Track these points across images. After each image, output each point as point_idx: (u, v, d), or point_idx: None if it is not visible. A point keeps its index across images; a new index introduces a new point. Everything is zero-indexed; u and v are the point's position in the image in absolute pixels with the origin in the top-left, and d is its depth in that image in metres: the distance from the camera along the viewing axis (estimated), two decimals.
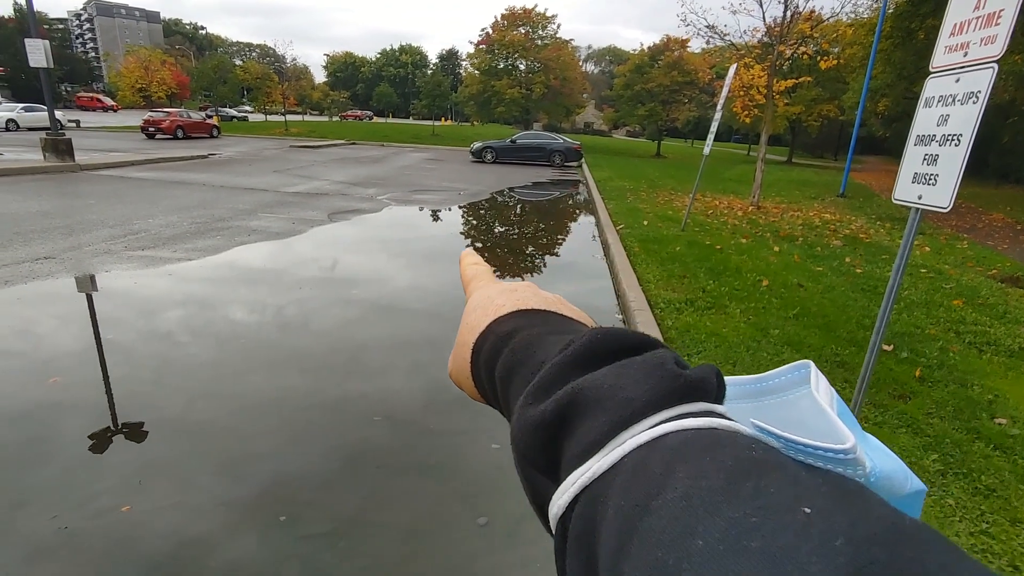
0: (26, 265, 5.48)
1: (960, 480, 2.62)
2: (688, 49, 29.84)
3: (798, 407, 0.24)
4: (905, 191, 2.48)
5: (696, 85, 30.05)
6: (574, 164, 21.90)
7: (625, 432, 0.22)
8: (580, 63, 47.70)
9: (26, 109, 26.95)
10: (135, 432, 2.88)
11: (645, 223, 8.97)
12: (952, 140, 2.18)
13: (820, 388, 0.24)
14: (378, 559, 2.16)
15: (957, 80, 2.20)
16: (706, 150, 8.43)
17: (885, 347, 4.20)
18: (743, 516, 0.17)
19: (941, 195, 2.24)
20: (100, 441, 2.79)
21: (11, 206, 8.37)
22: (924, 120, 2.39)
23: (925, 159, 2.34)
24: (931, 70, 2.40)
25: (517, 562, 2.18)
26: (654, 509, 0.18)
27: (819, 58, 12.54)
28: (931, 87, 2.38)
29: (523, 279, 5.96)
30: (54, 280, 5.14)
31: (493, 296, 0.38)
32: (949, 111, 2.22)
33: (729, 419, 0.22)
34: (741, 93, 12.30)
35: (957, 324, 4.91)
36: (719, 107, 8.02)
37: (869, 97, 16.62)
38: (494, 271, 0.45)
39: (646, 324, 4.37)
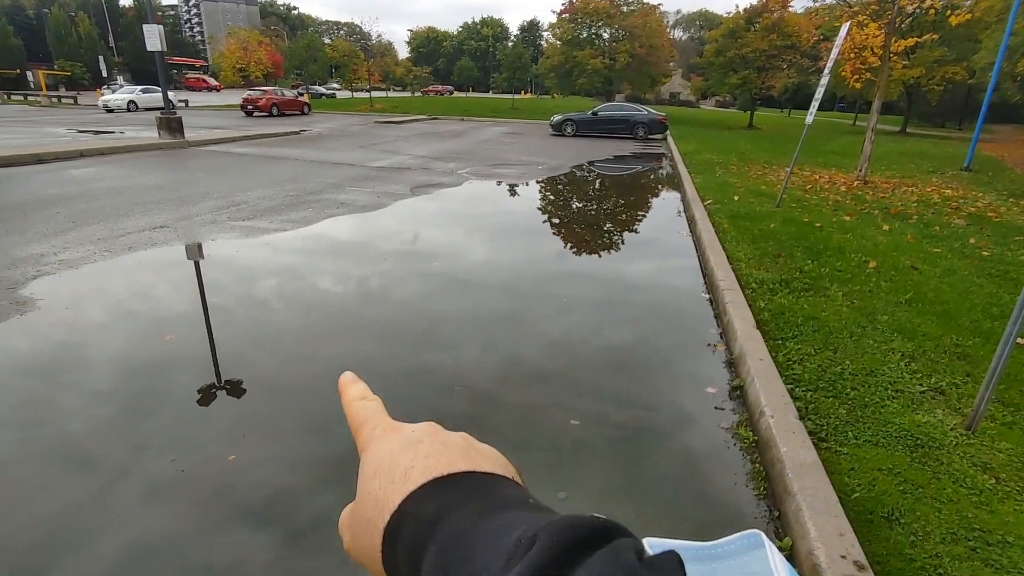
0: (145, 233, 6.02)
1: None
2: (790, 9, 27.42)
3: (751, 570, 0.22)
4: None
5: (797, 49, 27.63)
6: (658, 137, 21.00)
7: None
8: (668, 29, 45.30)
9: (144, 91, 29.55)
10: (236, 389, 3.09)
11: (736, 198, 8.44)
12: None
13: (775, 559, 0.23)
14: None
15: None
16: (809, 119, 7.75)
17: (1020, 340, 3.70)
18: None
19: None
20: (207, 395, 3.02)
21: (132, 180, 9.23)
22: None
23: None
24: None
25: None
26: None
27: (948, 13, 11.08)
28: None
29: (599, 257, 5.80)
30: (168, 247, 5.61)
31: (396, 454, 0.31)
32: None
33: None
34: (852, 55, 11.14)
35: None
36: (826, 71, 7.31)
37: (1007, 56, 14.55)
38: (384, 405, 0.37)
39: (736, 304, 4.11)
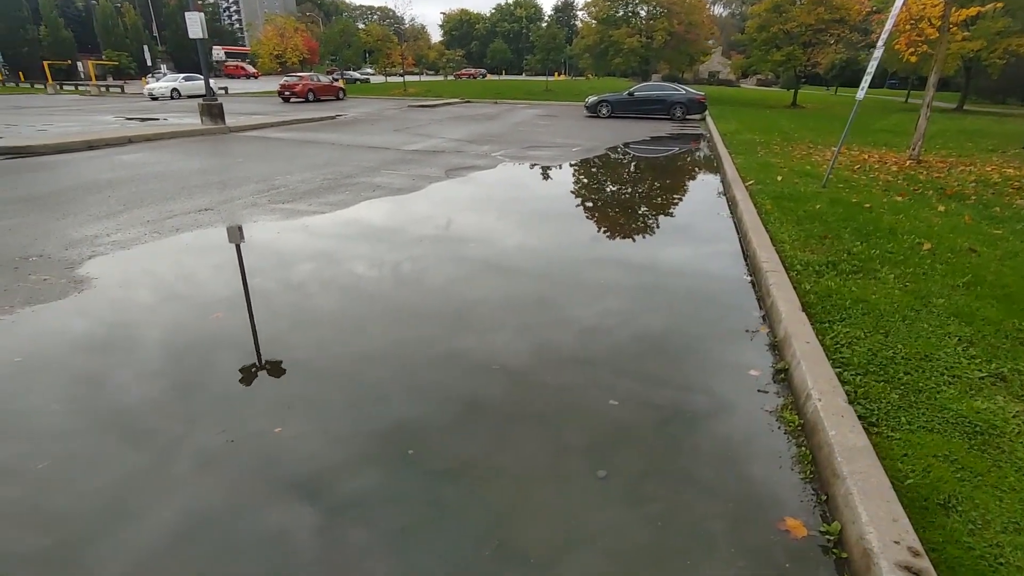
0: (191, 215, 6.21)
1: None
2: None
3: None
4: None
5: (846, 23, 26.32)
6: (697, 117, 20.41)
7: None
8: (707, 6, 43.74)
9: (186, 79, 30.36)
10: (276, 368, 3.17)
11: (779, 179, 8.15)
12: None
13: None
14: (498, 499, 2.20)
15: None
16: (860, 94, 7.39)
17: None
18: None
19: None
20: (250, 372, 3.11)
21: (176, 164, 9.51)
22: None
23: None
24: None
25: (638, 519, 2.11)
26: None
27: None
28: None
29: (633, 240, 5.70)
30: (212, 228, 5.78)
31: None
32: None
33: None
34: (907, 27, 10.54)
35: None
36: (880, 43, 6.93)
37: None
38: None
39: (780, 286, 3.98)
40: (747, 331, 3.71)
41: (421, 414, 2.74)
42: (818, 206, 6.42)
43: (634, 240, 5.98)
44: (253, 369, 3.12)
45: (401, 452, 2.46)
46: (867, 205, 6.54)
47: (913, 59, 11.87)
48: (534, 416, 2.76)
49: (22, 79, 42.38)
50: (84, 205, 6.54)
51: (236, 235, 5.67)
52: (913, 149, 10.23)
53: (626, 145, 13.46)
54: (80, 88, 36.38)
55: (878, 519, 1.90)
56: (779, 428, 2.67)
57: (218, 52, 42.71)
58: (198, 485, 2.24)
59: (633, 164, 11.23)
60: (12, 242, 5.17)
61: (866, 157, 10.75)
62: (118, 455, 2.41)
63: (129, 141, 11.91)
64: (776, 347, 3.45)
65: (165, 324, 3.68)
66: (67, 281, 4.31)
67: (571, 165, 10.52)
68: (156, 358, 3.23)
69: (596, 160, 11.19)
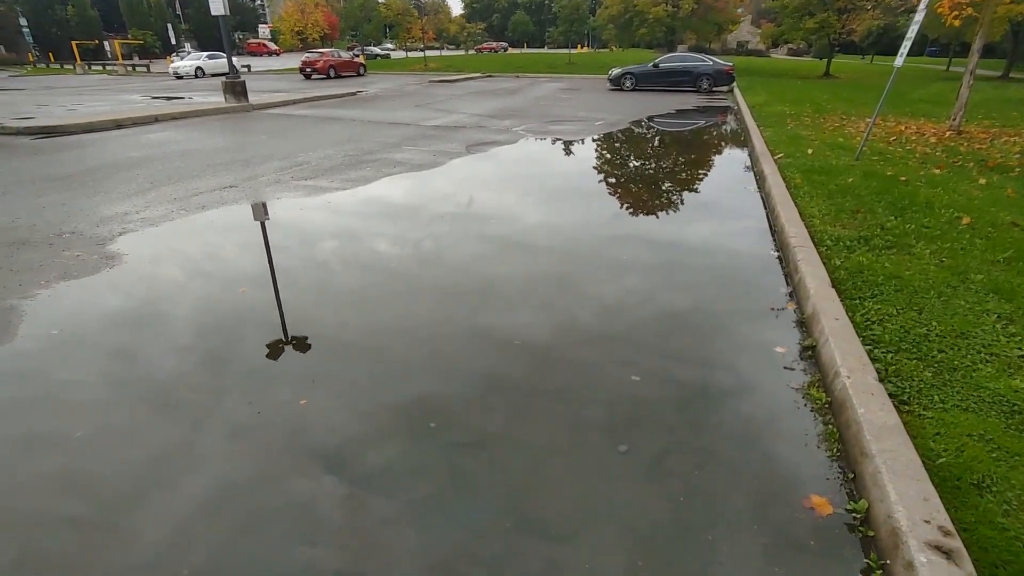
0: (216, 193, 6.29)
1: None
2: None
3: None
4: None
5: None
6: (724, 89, 19.80)
7: None
8: None
9: (209, 57, 30.51)
10: (302, 343, 3.21)
11: (809, 152, 7.88)
12: None
13: None
14: (520, 471, 2.22)
15: None
16: (899, 61, 7.06)
17: None
18: None
19: None
20: (276, 347, 3.16)
21: (202, 142, 9.62)
22: None
23: None
24: None
25: (659, 494, 2.11)
26: None
27: None
28: None
29: (657, 217, 5.60)
30: (238, 205, 5.85)
31: None
32: None
33: None
34: None
35: None
36: (921, 6, 6.58)
37: None
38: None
39: (808, 262, 3.87)
40: (773, 309, 3.63)
41: (443, 388, 2.76)
42: (850, 179, 6.20)
43: (658, 216, 5.87)
44: (280, 344, 3.17)
45: (423, 425, 2.48)
46: (903, 178, 6.29)
47: (956, 23, 11.24)
48: (555, 391, 2.75)
49: (52, 60, 43.15)
50: (113, 183, 6.67)
51: (260, 212, 5.73)
52: (954, 119, 9.77)
53: (650, 119, 13.15)
54: (107, 68, 36.92)
55: (908, 498, 1.85)
56: (806, 406, 2.62)
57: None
58: (226, 455, 2.30)
59: (657, 139, 10.99)
60: (46, 219, 5.31)
61: (903, 128, 10.32)
62: (149, 424, 2.49)
63: (155, 120, 12.08)
64: (803, 324, 3.37)
65: (193, 299, 3.75)
66: (99, 257, 4.42)
67: (594, 140, 10.33)
68: (184, 331, 3.30)
69: (619, 135, 10.97)
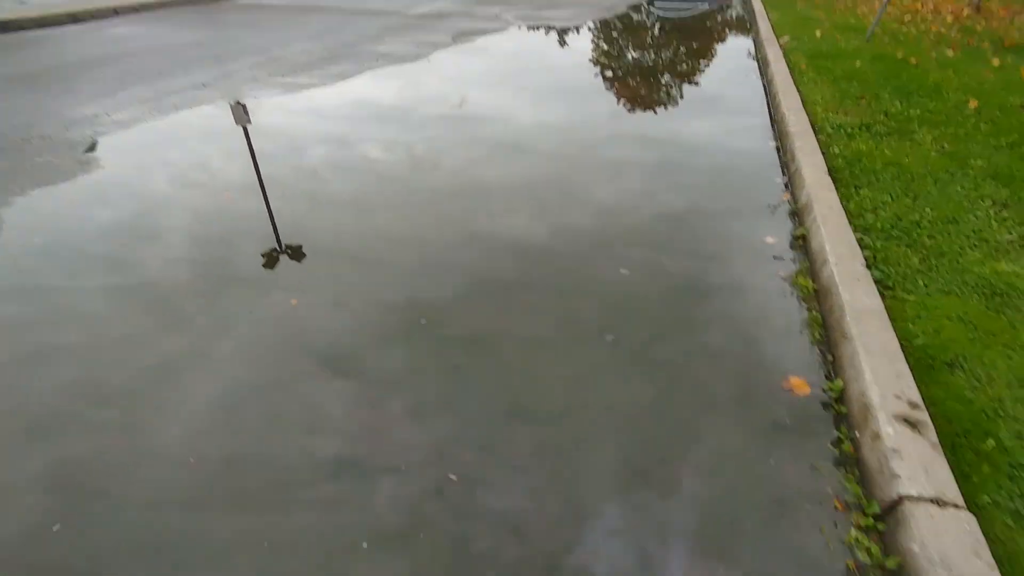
0: (189, 92, 5.94)
1: None
2: None
3: None
4: None
5: None
6: None
7: None
8: None
9: None
10: (296, 252, 3.18)
11: (818, 34, 7.41)
12: None
13: None
14: (510, 361, 2.28)
15: None
16: None
17: None
18: None
19: None
20: (273, 255, 3.13)
21: (170, 37, 8.95)
22: None
23: None
24: None
25: (644, 378, 2.19)
26: None
27: None
28: None
29: (655, 113, 5.37)
30: (213, 105, 5.55)
31: None
32: None
33: None
34: None
35: None
36: None
37: None
38: None
39: (806, 151, 3.76)
40: (768, 202, 3.57)
41: (434, 288, 2.77)
42: (858, 63, 5.88)
43: (656, 112, 5.61)
44: (273, 252, 3.14)
45: (414, 320, 2.52)
46: (913, 61, 5.96)
47: None
48: (545, 287, 2.77)
49: None
50: (78, 83, 6.28)
51: (240, 114, 5.44)
52: None
53: (650, 3, 12.20)
54: None
55: (880, 375, 1.93)
56: (792, 294, 2.66)
57: None
58: (225, 358, 2.35)
59: (657, 26, 10.25)
60: (11, 123, 5.04)
61: (919, 6, 9.63)
62: (143, 328, 2.52)
63: (115, 12, 11.13)
64: (796, 214, 3.33)
65: (175, 203, 3.66)
66: (73, 162, 4.25)
67: (588, 28, 9.65)
68: (169, 236, 3.25)
69: (615, 22, 10.23)
